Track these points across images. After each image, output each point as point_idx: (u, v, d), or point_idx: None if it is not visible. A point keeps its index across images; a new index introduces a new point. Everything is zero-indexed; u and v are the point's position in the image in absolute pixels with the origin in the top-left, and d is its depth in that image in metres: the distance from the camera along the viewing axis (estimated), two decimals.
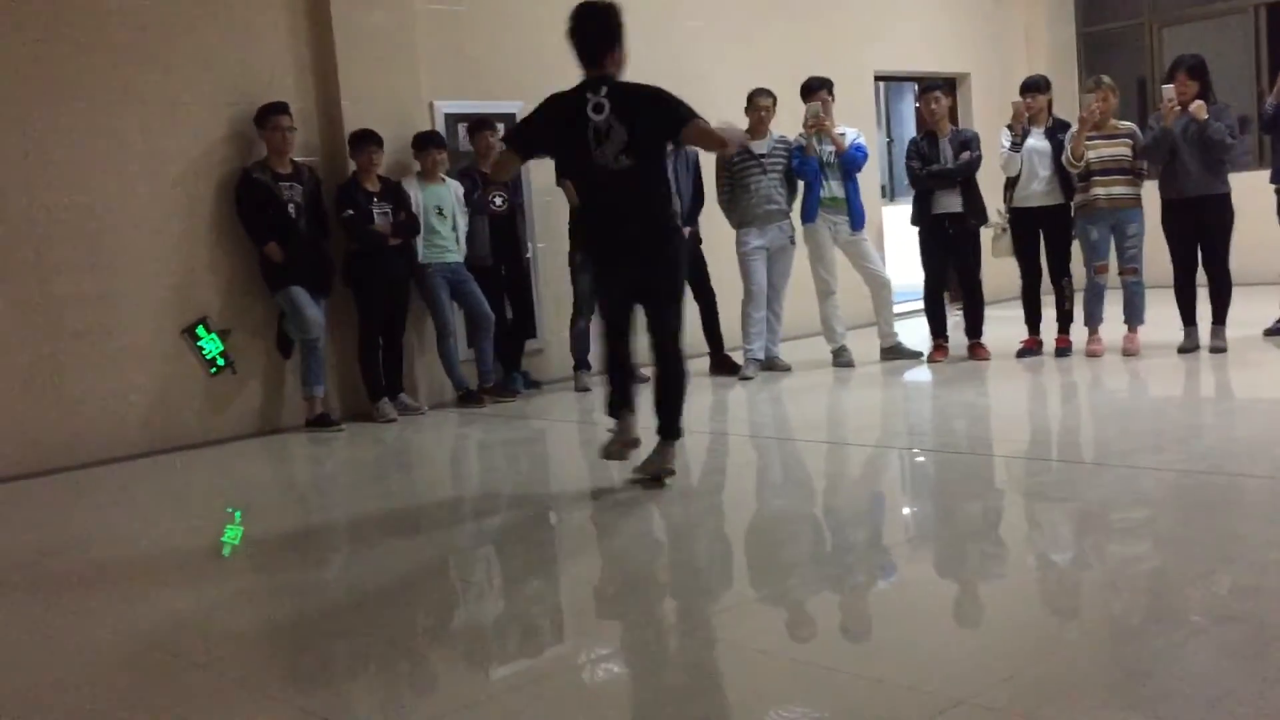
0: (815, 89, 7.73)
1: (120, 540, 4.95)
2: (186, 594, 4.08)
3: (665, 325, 4.82)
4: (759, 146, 7.75)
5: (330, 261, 7.14)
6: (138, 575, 4.35)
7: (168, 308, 6.78)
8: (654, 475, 4.86)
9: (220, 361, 6.93)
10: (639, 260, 4.77)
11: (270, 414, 7.16)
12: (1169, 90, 6.88)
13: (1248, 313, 7.44)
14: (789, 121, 7.98)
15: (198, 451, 6.71)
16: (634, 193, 4.71)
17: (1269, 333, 7.48)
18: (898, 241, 10.30)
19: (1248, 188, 7.57)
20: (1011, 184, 7.49)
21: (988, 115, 10.54)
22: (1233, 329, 7.12)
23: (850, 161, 7.69)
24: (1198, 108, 6.80)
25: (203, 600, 4.00)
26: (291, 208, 6.88)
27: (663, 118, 4.70)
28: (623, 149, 4.63)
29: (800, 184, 7.81)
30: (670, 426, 4.88)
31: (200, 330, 6.87)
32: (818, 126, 7.59)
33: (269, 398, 7.16)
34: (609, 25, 4.70)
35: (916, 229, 7.78)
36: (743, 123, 7.82)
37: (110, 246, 6.58)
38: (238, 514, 5.39)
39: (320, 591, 4.02)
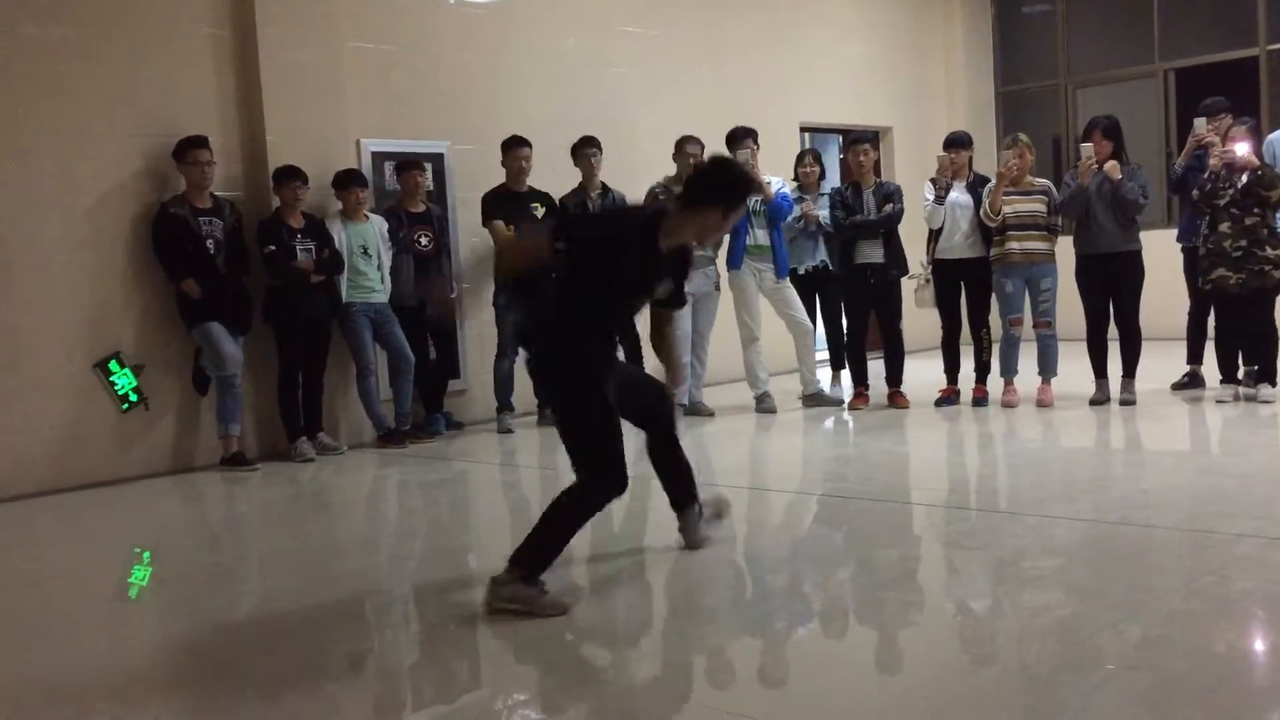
0: (741, 138, 7.83)
1: (19, 582, 4.78)
2: (90, 637, 3.95)
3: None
4: None
5: (249, 298, 7.03)
6: (36, 619, 4.20)
7: (79, 341, 6.61)
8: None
9: (133, 397, 6.77)
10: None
11: (184, 452, 7.00)
12: (1088, 148, 7.09)
13: (1156, 367, 7.65)
14: None
15: (107, 489, 6.52)
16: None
17: (1176, 386, 7.70)
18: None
19: (1156, 246, 7.81)
20: (935, 236, 7.65)
21: (909, 169, 10.77)
22: (1142, 382, 7.32)
23: (776, 210, 7.79)
24: (1112, 167, 7.02)
25: (108, 644, 3.87)
26: (210, 243, 6.77)
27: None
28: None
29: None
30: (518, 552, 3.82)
31: (113, 365, 6.70)
32: None
33: (183, 435, 7.00)
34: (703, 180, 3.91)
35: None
36: (670, 169, 7.92)
37: (19, 277, 6.41)
38: (146, 554, 5.24)
39: (230, 635, 3.91)
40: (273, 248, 6.93)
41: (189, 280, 6.70)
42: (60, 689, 3.42)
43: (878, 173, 8.70)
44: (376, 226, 7.39)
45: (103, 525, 5.92)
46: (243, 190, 7.22)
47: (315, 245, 7.07)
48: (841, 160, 9.87)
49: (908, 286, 7.95)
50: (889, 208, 7.62)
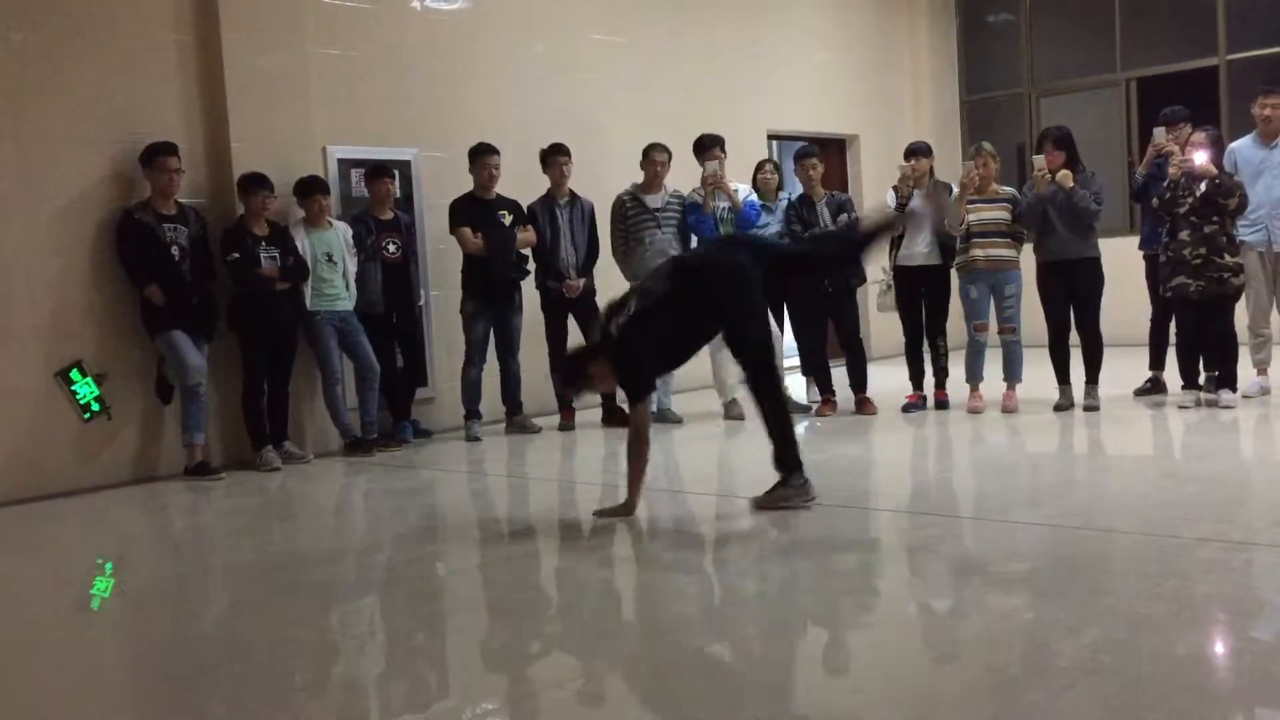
0: (708, 146, 7.85)
1: None
2: (52, 650, 3.90)
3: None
4: (654, 201, 7.85)
5: (214, 305, 6.97)
6: None
7: (40, 349, 6.54)
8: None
9: (95, 406, 6.70)
10: None
11: (147, 461, 6.93)
12: (1039, 160, 7.19)
13: (1119, 373, 7.73)
14: (677, 176, 8.09)
15: (69, 500, 6.45)
16: None
17: (1139, 392, 7.78)
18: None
19: (1118, 253, 7.90)
20: (896, 242, 7.70)
21: (876, 176, 10.84)
22: (1105, 388, 7.39)
23: (744, 219, 7.81)
24: (1064, 176, 7.10)
25: (70, 657, 3.83)
26: (175, 250, 6.72)
27: None
28: None
29: (694, 238, 7.91)
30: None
31: (75, 373, 6.63)
32: (716, 184, 7.70)
33: (146, 444, 6.93)
34: None
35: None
36: (638, 176, 7.94)
37: None
38: (108, 565, 5.19)
39: (194, 646, 3.88)
40: (237, 255, 6.88)
41: (153, 286, 6.64)
42: (22, 703, 3.37)
43: (844, 184, 8.74)
44: (341, 233, 7.35)
45: (64, 536, 5.85)
46: (206, 197, 7.17)
47: (280, 253, 7.02)
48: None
49: (865, 294, 8.00)
50: (843, 218, 7.68)
